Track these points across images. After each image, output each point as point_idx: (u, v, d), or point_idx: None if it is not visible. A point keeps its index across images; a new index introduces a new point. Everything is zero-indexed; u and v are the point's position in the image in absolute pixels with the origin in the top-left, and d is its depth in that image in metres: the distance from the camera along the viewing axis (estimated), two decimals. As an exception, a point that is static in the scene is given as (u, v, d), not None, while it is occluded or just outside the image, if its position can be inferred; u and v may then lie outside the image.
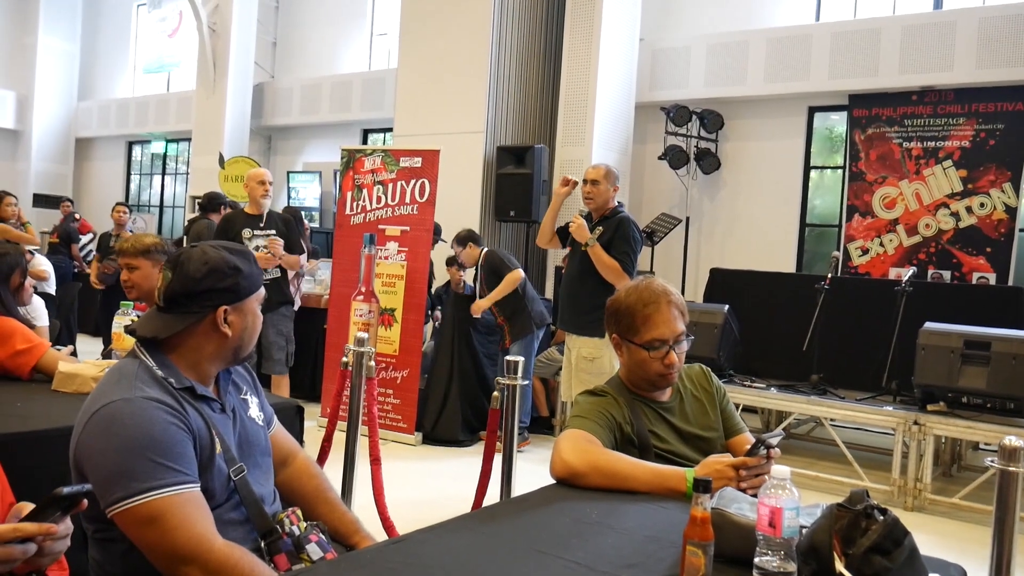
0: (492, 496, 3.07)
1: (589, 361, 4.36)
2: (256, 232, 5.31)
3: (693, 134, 8.54)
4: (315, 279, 7.43)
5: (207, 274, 1.71)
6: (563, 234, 4.65)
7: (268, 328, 5.32)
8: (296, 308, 6.61)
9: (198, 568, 1.52)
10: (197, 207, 7.84)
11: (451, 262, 7.10)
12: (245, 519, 1.72)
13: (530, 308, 6.01)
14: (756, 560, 1.37)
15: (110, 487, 1.52)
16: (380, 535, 3.35)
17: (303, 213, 8.99)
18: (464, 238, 6.32)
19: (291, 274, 6.46)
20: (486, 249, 6.25)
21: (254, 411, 1.89)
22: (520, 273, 6.00)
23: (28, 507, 1.31)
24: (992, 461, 1.90)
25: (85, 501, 1.30)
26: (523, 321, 5.96)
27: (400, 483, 4.82)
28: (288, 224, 5.49)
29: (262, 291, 1.82)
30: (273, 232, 5.32)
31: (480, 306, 5.98)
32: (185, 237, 7.92)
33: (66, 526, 1.30)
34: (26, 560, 1.26)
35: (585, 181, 4.47)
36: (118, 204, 9.07)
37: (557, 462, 1.94)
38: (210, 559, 1.52)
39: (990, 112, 7.33)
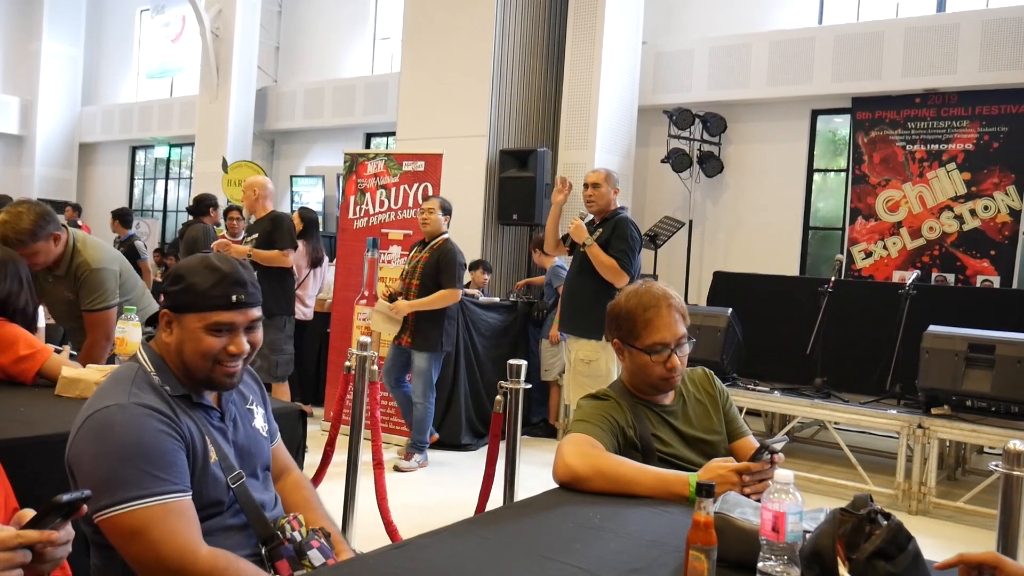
0: (495, 500, 3.06)
1: (586, 364, 4.36)
2: (246, 239, 5.52)
3: (696, 137, 8.54)
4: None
5: (168, 275, 1.74)
6: (569, 240, 4.66)
7: None
8: (307, 317, 6.60)
9: None
10: (187, 212, 7.86)
11: (475, 266, 7.11)
12: (245, 525, 1.72)
13: (446, 326, 5.31)
14: (759, 565, 1.36)
15: (98, 494, 1.51)
16: (383, 539, 3.35)
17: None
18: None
19: (305, 286, 6.46)
20: (447, 235, 5.35)
21: (259, 422, 1.88)
22: (459, 295, 5.30)
23: (29, 514, 1.31)
24: (996, 465, 1.89)
25: (85, 506, 1.30)
26: (434, 334, 5.27)
27: (403, 487, 4.82)
28: (275, 223, 5.39)
29: (217, 316, 1.68)
30: (256, 235, 5.39)
31: (400, 308, 5.14)
32: (180, 241, 7.92)
33: (67, 532, 1.30)
34: (27, 567, 1.26)
35: (586, 185, 4.48)
36: (232, 209, 7.88)
37: (560, 466, 1.94)
38: (194, 570, 1.52)
39: (993, 115, 7.32)
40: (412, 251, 5.45)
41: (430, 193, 6.07)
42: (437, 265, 5.16)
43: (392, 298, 5.26)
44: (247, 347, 1.73)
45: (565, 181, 4.60)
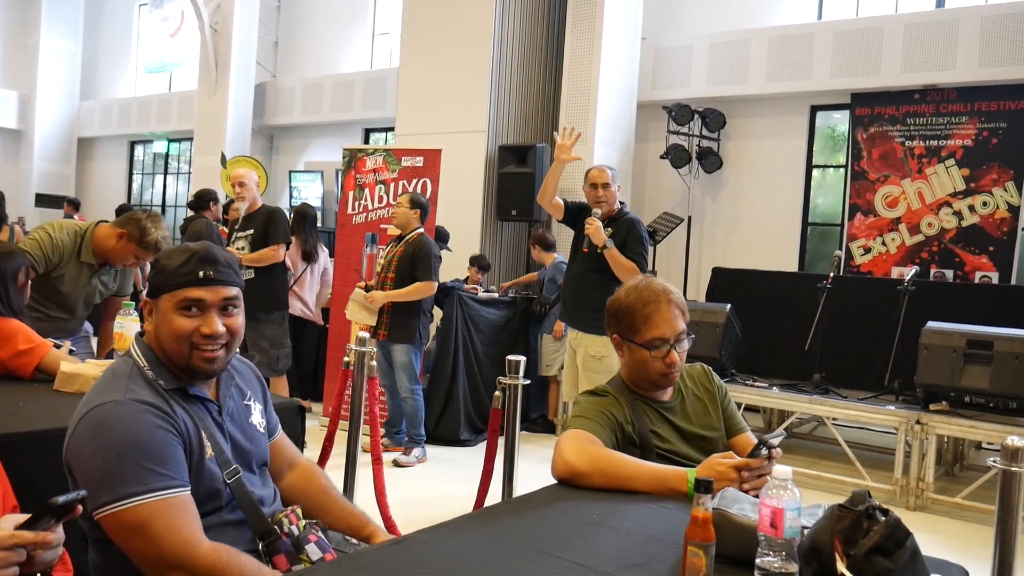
0: (494, 496, 3.07)
1: (597, 360, 4.38)
2: (238, 234, 5.40)
3: (695, 133, 8.53)
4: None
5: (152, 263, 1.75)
6: (571, 216, 4.61)
7: (246, 332, 5.24)
8: (305, 316, 6.56)
9: (185, 573, 1.51)
10: (187, 207, 7.87)
11: (471, 262, 7.10)
12: (243, 521, 1.72)
13: (422, 319, 5.38)
14: (757, 561, 1.36)
15: (97, 491, 1.52)
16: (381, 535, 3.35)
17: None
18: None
19: (304, 286, 6.43)
20: (421, 230, 5.38)
21: (256, 418, 1.87)
22: (434, 287, 5.31)
23: (14, 518, 1.32)
24: (995, 461, 1.89)
25: (79, 507, 1.30)
26: (411, 326, 5.32)
27: (402, 483, 4.83)
28: (270, 218, 5.37)
29: (185, 293, 1.67)
30: (251, 232, 5.33)
31: (375, 298, 5.20)
32: (182, 237, 7.92)
33: (59, 535, 1.30)
34: (21, 566, 1.26)
35: (595, 185, 4.46)
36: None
37: (559, 462, 1.94)
38: (196, 565, 1.52)
39: (992, 111, 7.32)
40: (388, 247, 5.49)
41: (429, 189, 6.07)
42: (412, 258, 5.20)
43: (368, 289, 5.31)
44: (221, 328, 1.69)
45: (573, 132, 4.46)
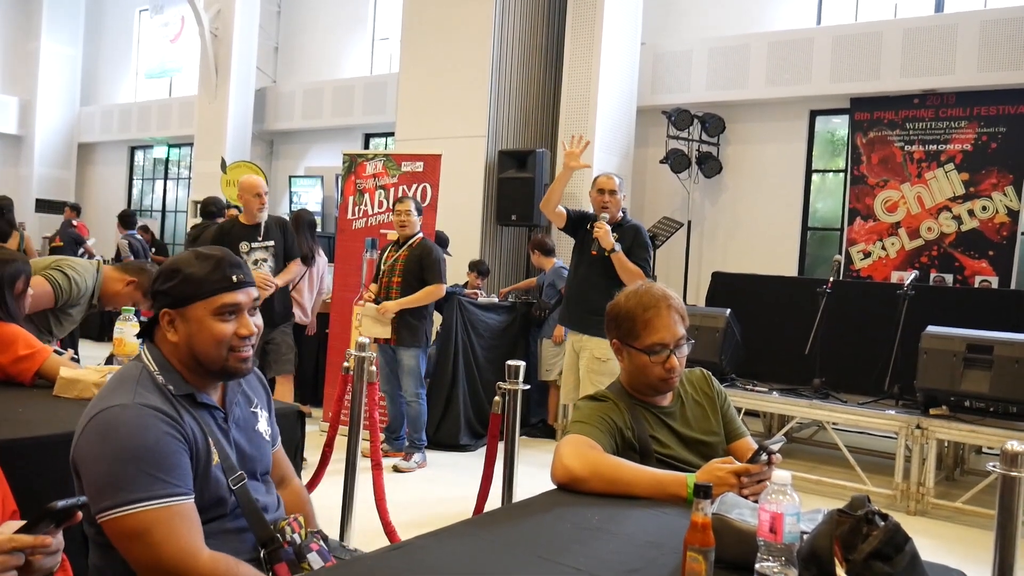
0: (493, 501, 3.06)
1: (603, 362, 4.41)
2: (254, 245, 5.14)
3: (695, 138, 8.54)
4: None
5: (158, 275, 1.72)
6: (572, 224, 4.63)
7: (275, 332, 5.28)
8: (302, 321, 6.55)
9: None
10: (199, 213, 7.86)
11: (471, 267, 7.11)
12: (245, 528, 1.72)
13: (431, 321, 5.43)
14: (757, 566, 1.36)
15: (101, 495, 1.52)
16: (382, 540, 3.35)
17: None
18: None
19: (303, 291, 6.41)
20: (421, 235, 5.43)
21: (262, 425, 1.87)
22: (444, 290, 5.37)
23: (13, 525, 1.31)
24: (994, 466, 1.89)
25: (79, 513, 1.30)
26: (420, 330, 5.38)
27: (401, 487, 4.82)
28: (284, 229, 5.32)
29: (223, 299, 1.68)
30: (272, 243, 5.16)
31: (388, 308, 5.20)
32: (193, 242, 7.91)
33: (58, 540, 1.30)
34: (19, 571, 1.26)
35: (602, 191, 4.50)
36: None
37: (558, 467, 1.94)
38: (195, 574, 1.52)
39: (992, 115, 7.33)
40: (386, 251, 5.49)
41: (429, 194, 6.08)
42: (420, 263, 5.23)
43: (377, 301, 5.31)
44: (255, 328, 1.74)
45: (582, 139, 4.48)
